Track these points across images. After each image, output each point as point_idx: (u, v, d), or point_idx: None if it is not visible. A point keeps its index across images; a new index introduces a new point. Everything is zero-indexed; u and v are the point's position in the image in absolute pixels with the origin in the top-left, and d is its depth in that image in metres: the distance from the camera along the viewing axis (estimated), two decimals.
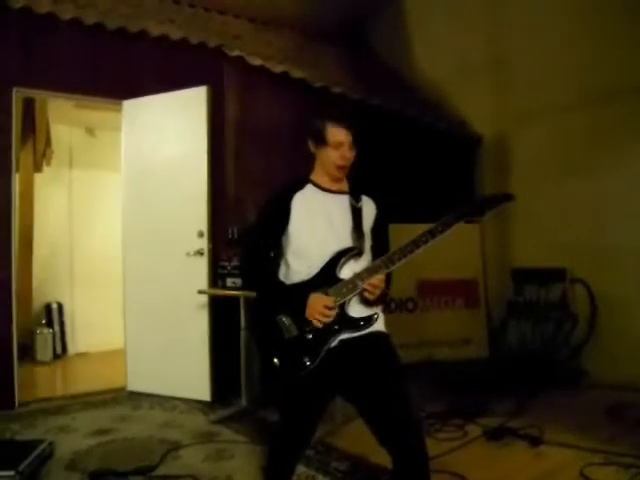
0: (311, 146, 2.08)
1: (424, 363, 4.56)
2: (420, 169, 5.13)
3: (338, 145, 2.00)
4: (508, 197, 2.03)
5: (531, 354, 4.57)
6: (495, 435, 3.17)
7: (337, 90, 4.56)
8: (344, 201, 2.08)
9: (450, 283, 4.88)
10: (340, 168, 2.04)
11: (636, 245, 4.30)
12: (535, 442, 3.03)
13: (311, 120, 2.08)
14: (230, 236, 4.03)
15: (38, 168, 5.64)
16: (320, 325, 1.91)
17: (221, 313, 3.98)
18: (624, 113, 4.41)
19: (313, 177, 2.12)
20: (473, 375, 4.44)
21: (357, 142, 2.03)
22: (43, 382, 4.78)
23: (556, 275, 4.68)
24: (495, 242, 5.21)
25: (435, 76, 5.84)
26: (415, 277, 4.74)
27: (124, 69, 4.15)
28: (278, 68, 4.29)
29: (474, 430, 3.28)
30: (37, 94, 4.45)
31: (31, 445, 2.76)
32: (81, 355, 5.76)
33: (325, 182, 2.10)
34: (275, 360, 1.96)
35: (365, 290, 1.92)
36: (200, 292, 3.86)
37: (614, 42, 4.45)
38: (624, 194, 4.41)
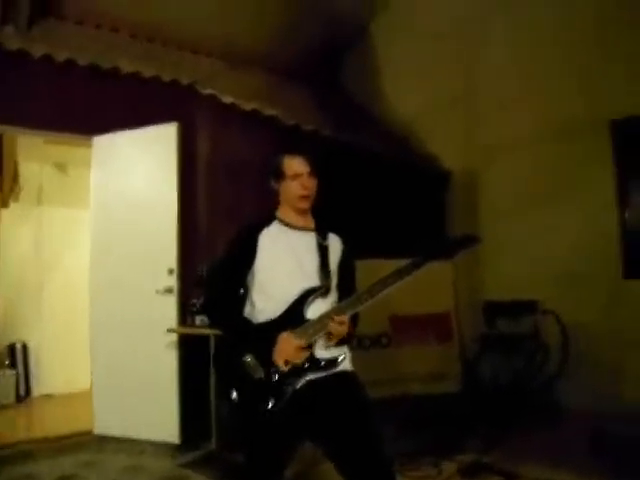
0: (273, 184, 2.09)
1: (398, 399, 4.51)
2: (390, 204, 5.18)
3: (296, 176, 2.01)
4: (476, 240, 2.05)
5: (504, 387, 4.56)
6: (470, 472, 3.14)
7: (308, 127, 4.61)
8: (311, 238, 2.07)
9: (422, 317, 4.87)
10: (302, 198, 2.03)
11: (602, 274, 4.39)
12: (510, 477, 3.01)
13: (270, 159, 2.10)
14: (200, 273, 3.99)
15: (5, 204, 5.55)
16: (286, 368, 1.87)
17: (191, 352, 3.90)
18: (588, 144, 4.56)
19: (279, 214, 2.11)
20: (447, 410, 4.41)
21: (317, 173, 2.04)
22: (5, 427, 4.56)
23: (527, 307, 4.70)
24: (466, 275, 5.25)
25: (404, 112, 5.96)
26: (388, 312, 4.72)
27: (95, 105, 4.16)
28: (249, 106, 4.33)
29: (449, 467, 3.25)
30: (5, 129, 4.40)
31: None
32: (46, 397, 5.55)
33: (291, 218, 2.09)
34: (234, 395, 1.92)
35: (328, 332, 1.89)
36: (169, 331, 3.80)
37: (579, 77, 4.64)
38: (589, 225, 4.52)
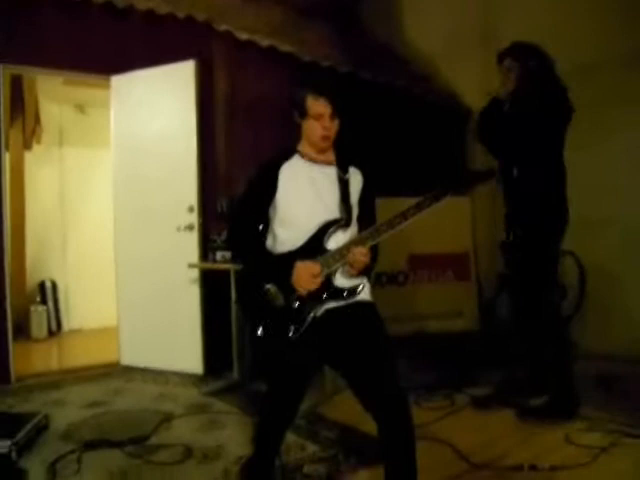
0: (296, 117, 2.09)
1: (415, 336, 4.60)
2: (410, 142, 5.13)
3: (318, 117, 2.02)
4: (493, 173, 2.07)
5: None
6: (482, 403, 3.23)
7: (326, 64, 4.54)
8: (331, 172, 2.10)
9: (441, 256, 4.90)
10: (323, 139, 2.05)
11: (624, 217, 4.33)
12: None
13: (293, 91, 2.10)
14: (220, 210, 4.05)
15: (28, 146, 5.62)
16: (305, 293, 1.93)
17: (212, 287, 4.02)
18: (611, 85, 4.39)
19: (300, 148, 2.13)
20: (463, 347, 4.50)
21: (340, 112, 2.04)
22: (38, 358, 4.84)
23: None
24: (486, 215, 5.21)
25: (426, 49, 5.80)
26: (406, 251, 4.75)
27: (112, 44, 4.11)
28: (266, 42, 4.26)
29: (462, 399, 3.34)
30: (24, 70, 4.40)
31: (26, 417, 2.80)
32: (75, 332, 5.81)
33: (312, 153, 2.11)
34: (259, 331, 1.99)
35: (349, 263, 1.93)
36: (190, 266, 3.89)
37: (605, 14, 4.42)
38: (612, 167, 4.42)
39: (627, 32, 4.31)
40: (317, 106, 2.01)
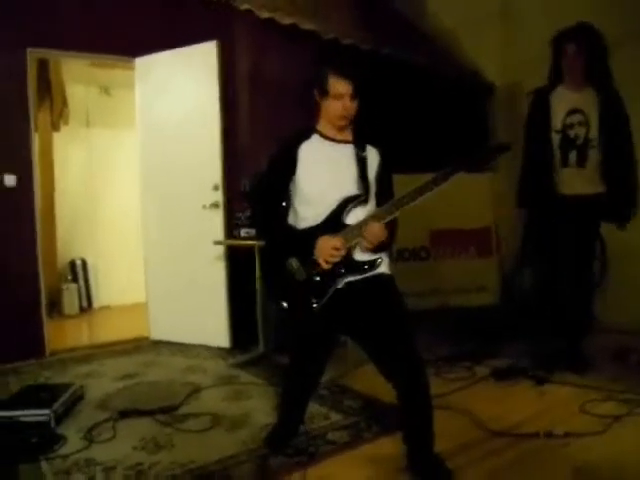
0: (316, 96, 2.14)
1: (437, 310, 4.65)
2: (431, 119, 5.11)
3: (339, 96, 2.05)
4: (507, 147, 2.10)
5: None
6: (502, 375, 3.28)
7: (348, 42, 4.53)
8: (349, 150, 2.15)
9: (463, 232, 4.90)
10: (342, 118, 2.10)
11: None
12: (540, 381, 3.13)
13: (316, 70, 2.14)
14: (243, 188, 4.13)
15: (56, 128, 5.75)
16: (327, 266, 2.00)
17: (237, 263, 4.11)
18: (634, 59, 4.31)
19: (319, 127, 2.18)
20: (485, 321, 4.53)
21: (359, 93, 2.08)
22: (71, 333, 5.02)
23: None
24: (508, 190, 5.20)
25: (447, 24, 5.73)
26: (428, 227, 4.78)
27: (135, 26, 4.18)
28: (287, 20, 4.26)
29: (482, 371, 3.39)
30: (50, 54, 4.49)
31: (63, 388, 2.94)
32: (105, 308, 6.01)
33: (330, 132, 2.16)
34: (284, 304, 2.08)
35: (365, 239, 1.99)
36: (216, 243, 3.98)
37: None
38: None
39: None
40: (339, 86, 2.05)
